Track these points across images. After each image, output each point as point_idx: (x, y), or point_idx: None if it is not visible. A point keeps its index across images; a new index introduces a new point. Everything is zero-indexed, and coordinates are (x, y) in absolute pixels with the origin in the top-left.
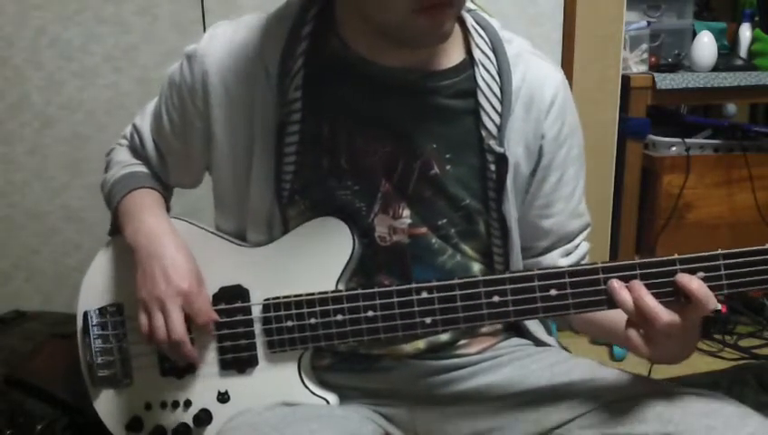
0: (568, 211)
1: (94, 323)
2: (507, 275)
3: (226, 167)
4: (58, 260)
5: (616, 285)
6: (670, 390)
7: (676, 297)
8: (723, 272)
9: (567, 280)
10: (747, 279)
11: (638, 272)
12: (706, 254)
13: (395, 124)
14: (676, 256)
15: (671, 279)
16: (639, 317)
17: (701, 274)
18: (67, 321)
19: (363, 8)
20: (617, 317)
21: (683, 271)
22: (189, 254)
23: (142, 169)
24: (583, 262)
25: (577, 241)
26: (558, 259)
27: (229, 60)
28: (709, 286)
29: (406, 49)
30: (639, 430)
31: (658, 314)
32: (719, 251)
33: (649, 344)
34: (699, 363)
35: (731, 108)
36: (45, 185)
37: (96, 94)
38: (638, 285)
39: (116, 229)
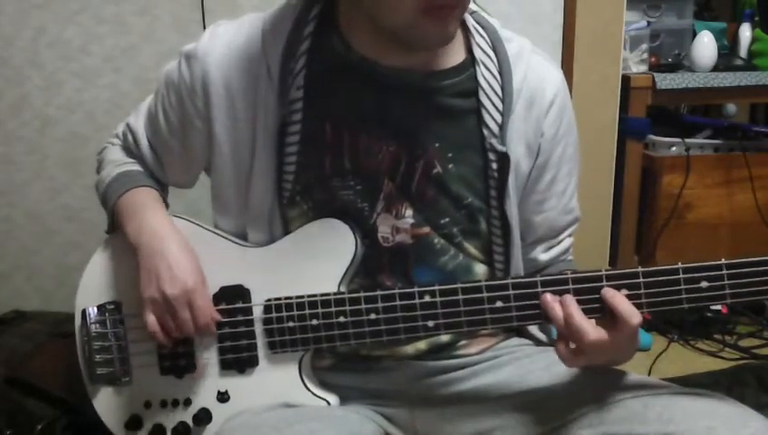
0: (559, 208)
1: (93, 321)
2: (510, 281)
3: (227, 167)
4: (58, 260)
5: (549, 298)
6: (670, 390)
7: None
8: (726, 282)
9: (570, 287)
10: (750, 289)
11: (643, 283)
12: (709, 263)
13: (397, 123)
14: (680, 264)
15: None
16: (569, 332)
17: (704, 283)
18: (67, 320)
19: (369, 10)
20: None
21: (686, 280)
22: (192, 252)
23: (137, 167)
24: (565, 256)
25: (561, 237)
26: (539, 254)
27: (230, 59)
28: (711, 295)
29: (408, 49)
30: (639, 430)
31: (586, 330)
32: (722, 261)
33: (579, 357)
34: (699, 363)
35: (731, 108)
36: (45, 185)
37: (96, 94)
38: (569, 300)
39: (113, 228)
